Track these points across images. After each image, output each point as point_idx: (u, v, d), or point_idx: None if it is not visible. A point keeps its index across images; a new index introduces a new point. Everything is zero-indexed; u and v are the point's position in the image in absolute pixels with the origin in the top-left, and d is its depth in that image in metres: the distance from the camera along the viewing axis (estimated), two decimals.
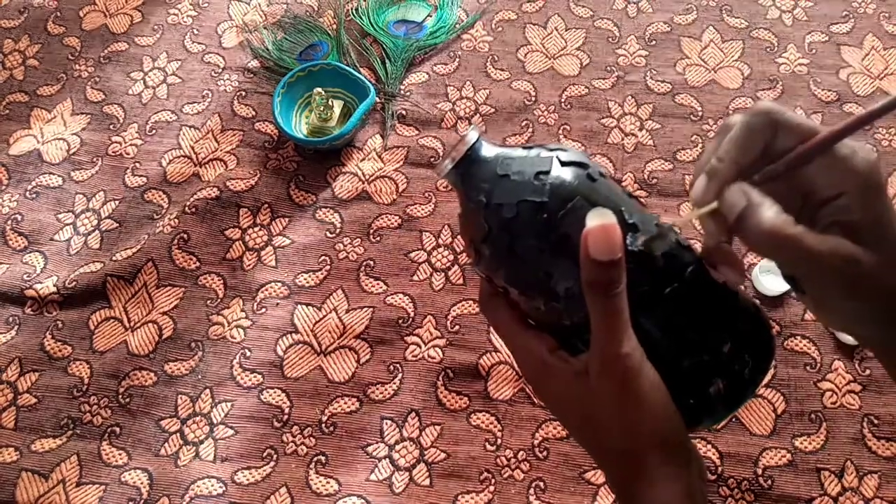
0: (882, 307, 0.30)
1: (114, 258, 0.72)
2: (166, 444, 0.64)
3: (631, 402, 0.30)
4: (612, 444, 0.33)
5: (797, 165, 0.31)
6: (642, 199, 0.75)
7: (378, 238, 0.74)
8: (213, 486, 0.62)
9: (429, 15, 0.89)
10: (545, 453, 0.62)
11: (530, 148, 0.33)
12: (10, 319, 0.70)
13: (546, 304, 0.32)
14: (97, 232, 0.75)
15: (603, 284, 0.28)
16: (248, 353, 0.68)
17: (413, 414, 0.65)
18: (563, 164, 0.31)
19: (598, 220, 0.28)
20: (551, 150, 0.32)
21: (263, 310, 0.70)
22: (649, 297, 0.31)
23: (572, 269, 0.29)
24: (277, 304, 0.70)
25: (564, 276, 0.30)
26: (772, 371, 0.65)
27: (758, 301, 0.64)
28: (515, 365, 0.64)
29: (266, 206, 0.76)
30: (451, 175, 0.33)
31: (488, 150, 0.33)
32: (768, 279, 0.68)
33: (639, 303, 0.30)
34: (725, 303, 0.32)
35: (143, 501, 0.62)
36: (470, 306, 0.69)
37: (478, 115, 0.81)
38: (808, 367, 0.65)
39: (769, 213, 0.29)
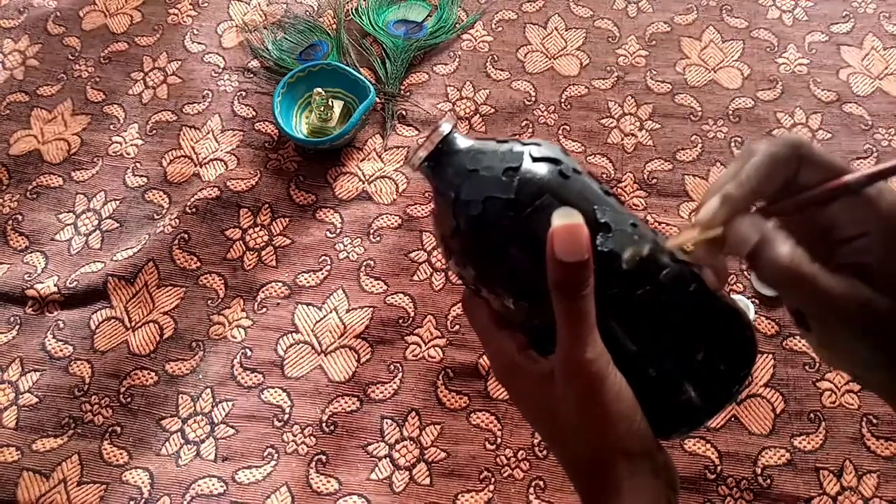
0: (892, 351, 0.29)
1: (114, 258, 0.72)
2: (167, 444, 0.64)
3: (594, 409, 0.29)
4: (576, 451, 0.32)
5: (817, 204, 0.29)
6: (642, 199, 0.75)
7: (378, 238, 0.74)
8: (213, 485, 0.62)
9: (429, 15, 0.89)
10: (545, 452, 0.63)
11: (504, 142, 0.31)
12: (11, 319, 0.70)
13: (515, 304, 0.31)
14: (98, 232, 0.76)
15: (568, 286, 0.27)
16: (249, 353, 0.68)
17: (413, 413, 0.65)
18: (535, 159, 0.30)
19: (564, 219, 0.27)
20: (525, 144, 0.31)
21: (264, 310, 0.70)
22: (619, 300, 0.30)
23: (539, 268, 0.28)
24: (278, 303, 0.70)
25: (532, 275, 0.29)
26: (770, 371, 0.65)
27: (753, 303, 0.64)
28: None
29: (266, 206, 0.76)
30: (422, 168, 0.32)
31: (461, 143, 0.32)
32: None
33: (608, 305, 0.29)
34: (702, 308, 0.31)
35: (143, 501, 0.62)
36: None
37: (478, 115, 0.81)
38: (807, 367, 0.66)
39: (783, 248, 0.28)
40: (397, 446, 0.64)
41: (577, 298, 0.28)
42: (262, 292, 0.71)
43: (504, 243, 0.30)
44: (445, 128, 0.31)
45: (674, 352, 0.31)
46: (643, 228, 0.31)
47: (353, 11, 0.90)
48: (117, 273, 0.71)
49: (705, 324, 0.31)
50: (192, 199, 0.75)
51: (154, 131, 0.82)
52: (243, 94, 0.84)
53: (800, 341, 0.67)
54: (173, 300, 0.71)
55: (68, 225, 0.76)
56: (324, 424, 0.65)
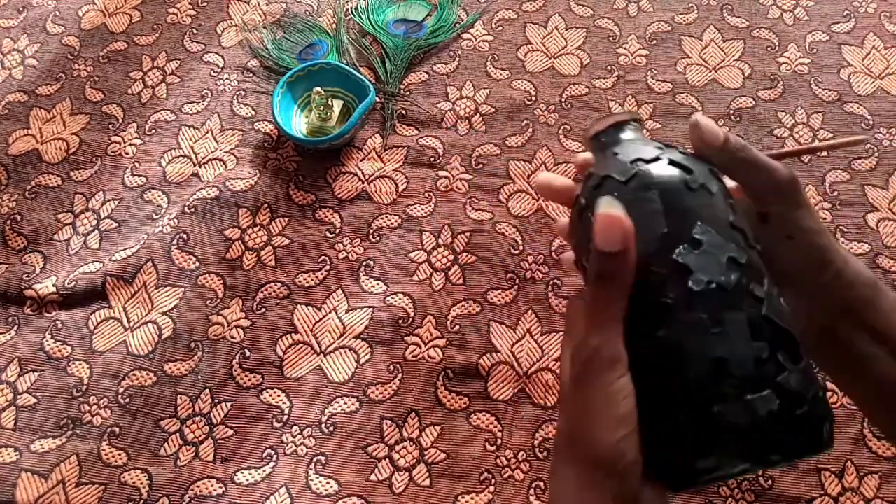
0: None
1: (113, 258, 0.72)
2: (166, 445, 0.64)
3: (578, 397, 0.28)
4: (560, 430, 0.31)
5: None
6: None
7: (378, 238, 0.74)
8: (212, 486, 0.62)
9: (429, 14, 0.89)
10: (545, 453, 0.62)
11: (666, 146, 0.33)
12: (10, 319, 0.70)
13: None
14: (96, 232, 0.75)
15: (599, 272, 0.28)
16: (248, 353, 0.68)
17: (413, 414, 0.65)
18: (670, 162, 0.31)
19: (605, 208, 0.28)
20: (680, 152, 0.32)
21: (263, 310, 0.70)
22: (669, 311, 0.28)
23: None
24: (277, 304, 0.70)
25: None
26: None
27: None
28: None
29: (265, 205, 0.75)
30: (590, 141, 0.35)
31: (628, 134, 0.34)
32: None
33: (658, 311, 0.28)
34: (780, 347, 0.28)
35: (142, 502, 0.62)
36: (470, 306, 0.69)
37: (478, 114, 0.81)
38: None
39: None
40: (397, 447, 0.63)
41: (603, 286, 0.28)
42: (261, 292, 0.71)
43: None
44: (620, 117, 0.35)
45: (721, 380, 0.28)
46: (750, 272, 0.29)
47: (353, 11, 0.89)
48: (116, 273, 0.71)
49: (775, 369, 0.28)
50: (191, 199, 0.75)
51: (153, 131, 0.81)
52: (242, 93, 0.84)
53: None
54: (172, 300, 0.70)
55: (67, 225, 0.76)
56: (323, 425, 0.64)
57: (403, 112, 0.81)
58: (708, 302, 0.28)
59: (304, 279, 0.71)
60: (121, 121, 0.82)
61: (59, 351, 0.68)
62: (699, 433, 0.27)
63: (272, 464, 0.63)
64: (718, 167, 0.33)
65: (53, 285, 0.71)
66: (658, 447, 0.28)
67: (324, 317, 0.69)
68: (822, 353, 0.35)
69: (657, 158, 0.31)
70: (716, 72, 0.83)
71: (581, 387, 0.29)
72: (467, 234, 0.73)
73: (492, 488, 0.61)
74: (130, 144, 0.81)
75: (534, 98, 0.82)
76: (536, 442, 0.63)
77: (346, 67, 0.80)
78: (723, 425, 0.27)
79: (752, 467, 0.27)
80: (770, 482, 0.61)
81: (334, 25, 0.89)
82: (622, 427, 0.28)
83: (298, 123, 0.80)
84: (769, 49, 0.84)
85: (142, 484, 0.62)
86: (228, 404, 0.66)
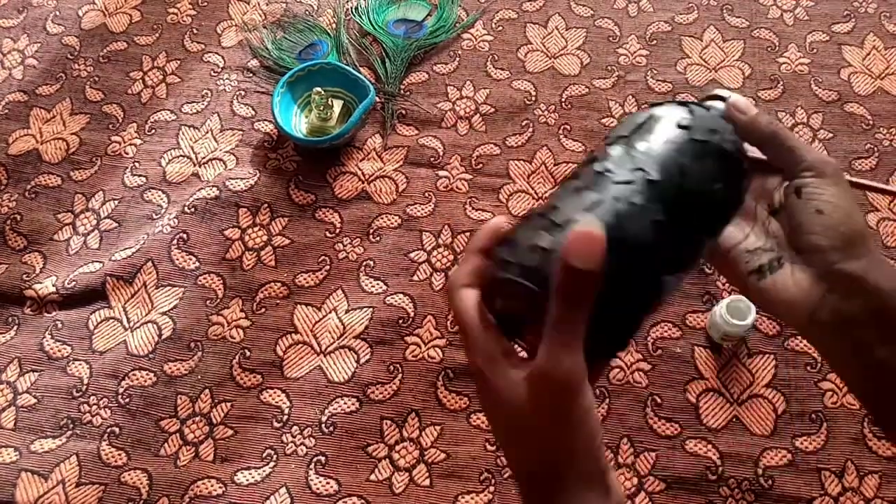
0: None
1: (113, 258, 0.72)
2: (166, 445, 0.64)
3: (560, 421, 0.29)
4: (532, 461, 0.31)
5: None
6: None
7: (378, 238, 0.74)
8: (212, 486, 0.62)
9: (429, 14, 0.89)
10: None
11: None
12: (10, 319, 0.70)
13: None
14: (96, 232, 0.75)
15: (572, 293, 0.27)
16: (248, 353, 0.68)
17: (413, 414, 0.65)
18: (689, 110, 0.33)
19: (586, 226, 0.27)
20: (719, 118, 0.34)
21: (263, 310, 0.70)
22: (578, 188, 0.31)
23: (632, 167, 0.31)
24: (277, 304, 0.70)
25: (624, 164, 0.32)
26: (772, 372, 0.65)
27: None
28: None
29: (265, 205, 0.75)
30: (699, 102, 0.37)
31: (706, 104, 0.37)
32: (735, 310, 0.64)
33: (570, 188, 0.31)
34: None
35: (142, 502, 0.62)
36: None
37: (478, 114, 0.81)
38: (808, 367, 0.65)
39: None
40: (397, 447, 0.63)
41: (572, 307, 0.27)
42: (261, 292, 0.71)
43: (636, 143, 0.33)
44: (726, 93, 0.37)
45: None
46: (661, 197, 0.30)
47: (353, 11, 0.89)
48: (116, 273, 0.71)
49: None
50: (191, 199, 0.75)
51: (153, 131, 0.81)
52: (242, 93, 0.84)
53: (801, 341, 0.66)
54: (172, 300, 0.70)
55: (67, 225, 0.76)
56: (323, 425, 0.64)
57: (403, 112, 0.81)
58: (599, 181, 0.30)
59: (304, 279, 0.71)
60: (121, 121, 0.82)
61: (59, 351, 0.68)
62: (505, 252, 0.30)
63: (272, 464, 0.63)
64: (750, 141, 0.34)
65: (53, 285, 0.71)
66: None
67: (324, 317, 0.69)
68: (836, 344, 0.33)
69: (687, 104, 0.33)
70: (716, 72, 0.83)
71: (560, 410, 0.28)
72: (467, 234, 0.73)
73: (492, 488, 0.61)
74: (130, 144, 0.81)
75: (534, 98, 0.82)
76: None
77: (346, 67, 0.80)
78: (510, 239, 0.30)
79: (516, 279, 0.29)
80: (770, 482, 0.61)
81: (334, 25, 0.89)
82: (597, 433, 0.29)
83: (298, 123, 0.80)
84: (769, 49, 0.84)
85: (142, 484, 0.62)
86: (228, 404, 0.65)
